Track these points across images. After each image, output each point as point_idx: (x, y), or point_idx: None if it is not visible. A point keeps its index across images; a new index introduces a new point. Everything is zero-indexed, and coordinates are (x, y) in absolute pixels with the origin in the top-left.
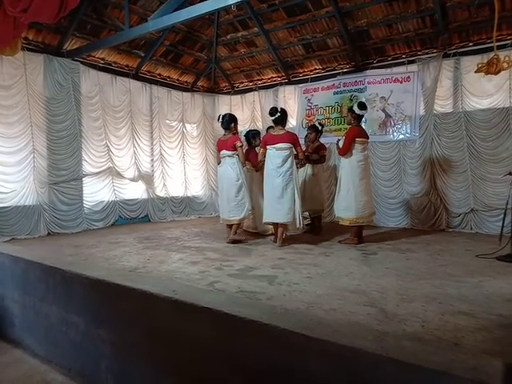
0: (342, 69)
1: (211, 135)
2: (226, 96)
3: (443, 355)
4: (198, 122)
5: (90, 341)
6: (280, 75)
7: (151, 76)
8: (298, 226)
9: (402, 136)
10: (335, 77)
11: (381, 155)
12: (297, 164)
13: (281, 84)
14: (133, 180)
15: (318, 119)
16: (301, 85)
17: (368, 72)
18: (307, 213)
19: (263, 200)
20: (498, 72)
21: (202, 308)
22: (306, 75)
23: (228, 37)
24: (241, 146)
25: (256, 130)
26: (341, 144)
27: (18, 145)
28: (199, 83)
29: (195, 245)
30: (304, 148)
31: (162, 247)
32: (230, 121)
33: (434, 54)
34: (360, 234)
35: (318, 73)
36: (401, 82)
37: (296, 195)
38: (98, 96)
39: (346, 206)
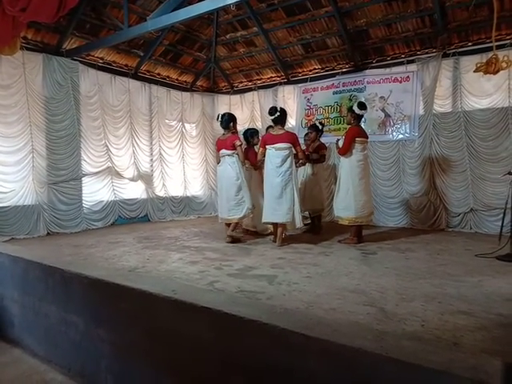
0: (341, 68)
1: (210, 135)
2: (225, 96)
3: (443, 354)
4: (197, 121)
5: (90, 340)
6: (279, 75)
7: (150, 76)
8: (297, 225)
9: (401, 136)
10: (334, 76)
11: (380, 155)
12: (296, 163)
13: (280, 84)
14: (132, 180)
15: (317, 119)
16: (300, 84)
17: (367, 72)
18: (307, 212)
19: (262, 199)
20: (497, 72)
21: (201, 308)
22: (306, 75)
23: (227, 36)
24: (240, 145)
25: (254, 129)
26: (340, 144)
27: (17, 144)
28: (198, 83)
29: (195, 244)
30: (303, 147)
31: (161, 247)
32: (229, 120)
33: (434, 54)
34: (359, 233)
35: (317, 72)
36: (400, 82)
37: (295, 195)
38: (97, 95)
39: (345, 206)
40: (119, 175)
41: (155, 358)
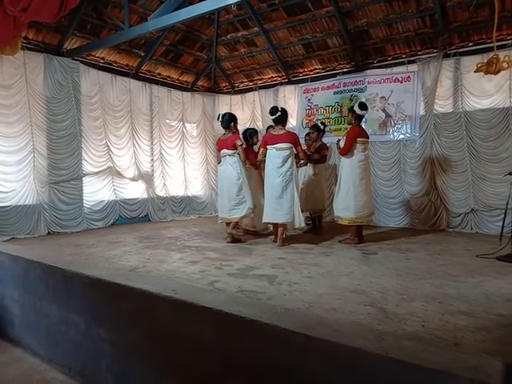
0: (342, 68)
1: (211, 135)
2: (226, 96)
3: (443, 355)
4: (197, 121)
5: (90, 340)
6: (280, 75)
7: (151, 75)
8: (296, 225)
9: (402, 136)
10: (335, 76)
11: (381, 155)
12: (297, 164)
13: (281, 84)
14: (133, 179)
15: (318, 119)
16: (301, 84)
17: (368, 72)
18: (308, 212)
19: (262, 199)
20: (498, 72)
21: (202, 307)
22: (306, 75)
23: (228, 36)
24: (241, 145)
25: (253, 129)
26: (341, 144)
27: (17, 144)
28: (199, 83)
29: (195, 244)
30: (304, 148)
31: (161, 247)
32: (229, 120)
33: (434, 54)
34: (360, 233)
35: (318, 72)
36: (401, 82)
37: (295, 195)
38: (97, 95)
39: (345, 206)
40: (120, 175)
41: (156, 358)
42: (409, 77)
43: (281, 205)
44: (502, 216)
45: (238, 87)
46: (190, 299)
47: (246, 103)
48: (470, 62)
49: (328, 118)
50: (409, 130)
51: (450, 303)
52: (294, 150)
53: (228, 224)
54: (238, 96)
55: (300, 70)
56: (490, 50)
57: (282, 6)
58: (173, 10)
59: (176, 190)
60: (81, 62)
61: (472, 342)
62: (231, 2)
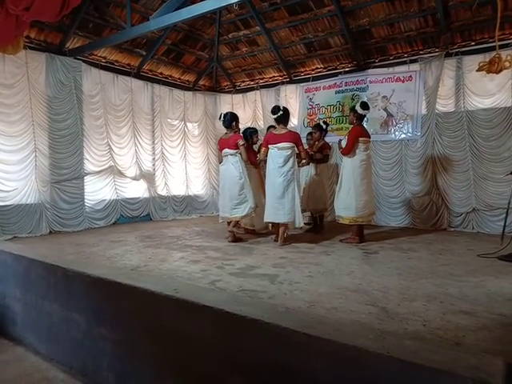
0: (343, 68)
1: (213, 134)
2: (227, 95)
3: (445, 354)
4: (199, 120)
5: (92, 339)
6: (282, 74)
7: (153, 75)
8: (296, 225)
9: (403, 135)
10: (337, 76)
11: (382, 154)
12: (299, 163)
13: (282, 83)
14: (134, 179)
15: (319, 118)
16: (302, 84)
17: (370, 71)
18: (309, 212)
19: (261, 198)
20: (500, 71)
21: (203, 307)
22: (308, 74)
23: (230, 36)
24: (243, 145)
25: (253, 128)
26: (343, 144)
27: (19, 143)
28: (201, 82)
29: (196, 244)
30: (306, 147)
31: (163, 246)
32: (231, 119)
33: (436, 54)
34: (361, 232)
35: (319, 72)
36: (403, 82)
37: (296, 195)
38: (99, 95)
39: (346, 205)
40: (121, 174)
41: (157, 357)
42: (411, 76)
43: (282, 204)
44: (504, 216)
45: (239, 86)
46: (192, 298)
47: (248, 102)
48: (472, 62)
49: (329, 118)
50: (410, 130)
51: (451, 303)
52: (296, 149)
53: (229, 223)
54: (240, 95)
55: (301, 69)
56: (492, 49)
57: (284, 5)
58: (174, 10)
59: (177, 189)
60: (83, 61)
61: (473, 342)
62: (233, 2)
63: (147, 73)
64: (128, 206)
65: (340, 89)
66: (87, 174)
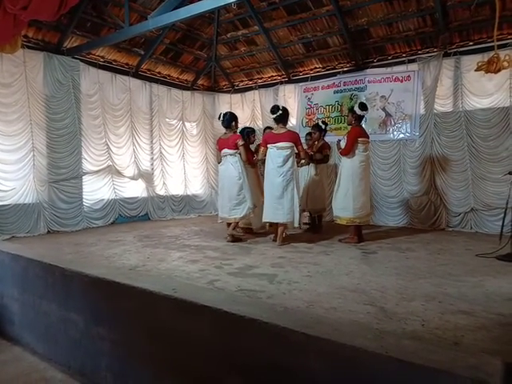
0: (342, 67)
1: (211, 134)
2: (225, 94)
3: (443, 354)
4: (197, 120)
5: (90, 339)
6: (280, 74)
7: (151, 74)
8: (295, 225)
9: (402, 135)
10: (335, 75)
11: (381, 154)
12: (298, 163)
13: (281, 83)
14: (133, 178)
15: (318, 118)
16: (301, 83)
17: (368, 71)
18: (308, 212)
19: (257, 197)
20: (498, 71)
21: (201, 306)
22: (307, 74)
23: (228, 35)
24: (243, 145)
25: (251, 128)
26: (342, 144)
27: (17, 143)
28: (199, 82)
29: (195, 243)
30: (305, 147)
31: (161, 245)
32: (230, 119)
33: (435, 53)
34: (359, 232)
35: (318, 71)
36: (401, 81)
37: (295, 195)
38: (97, 94)
39: (344, 206)
40: (120, 174)
41: (155, 357)
42: (409, 76)
43: (281, 204)
44: (502, 215)
45: (237, 86)
46: (190, 298)
47: (246, 102)
48: (471, 61)
49: (328, 117)
50: (409, 130)
51: (449, 302)
52: (295, 149)
53: (229, 224)
54: (238, 95)
55: (300, 68)
56: (490, 49)
57: (283, 5)
58: (173, 9)
59: (176, 188)
60: (81, 60)
61: (472, 341)
62: (231, 1)
63: (145, 72)
64: (126, 205)
65: (338, 88)
66: (85, 173)
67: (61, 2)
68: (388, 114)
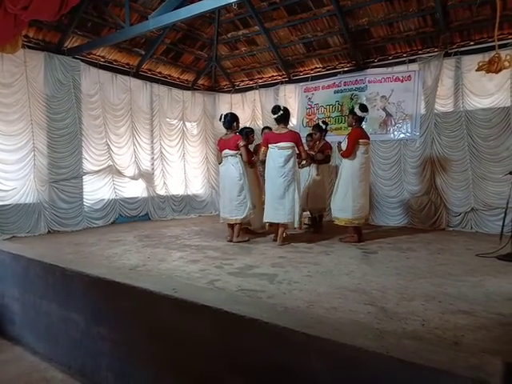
0: (342, 67)
1: (211, 134)
2: (226, 94)
3: (443, 354)
4: (198, 120)
5: (90, 339)
6: (281, 74)
7: (152, 74)
8: (295, 225)
9: (402, 135)
10: (336, 75)
11: (381, 154)
12: (299, 164)
13: (281, 83)
14: (133, 178)
15: (318, 118)
16: (301, 83)
17: (369, 71)
18: (309, 211)
19: (256, 197)
20: (499, 71)
21: (202, 306)
22: (307, 74)
23: (229, 35)
24: (244, 146)
25: (250, 128)
26: (343, 146)
27: (18, 143)
28: (200, 81)
29: (195, 243)
30: (306, 148)
31: (162, 245)
32: (231, 120)
33: (435, 53)
34: (359, 232)
35: (318, 71)
36: (402, 81)
37: (296, 195)
38: (98, 94)
39: (342, 207)
40: (120, 174)
41: (156, 356)
42: (409, 76)
43: (282, 205)
44: (503, 215)
45: (238, 86)
46: (190, 298)
47: (247, 102)
48: (471, 61)
49: (328, 117)
50: (409, 130)
51: (450, 302)
52: (296, 149)
53: (230, 225)
54: (239, 95)
55: (300, 68)
56: (491, 49)
57: (283, 5)
58: (173, 9)
59: (176, 188)
60: (81, 60)
61: (472, 341)
62: (232, 1)
63: (146, 72)
64: (127, 205)
65: (339, 88)
66: (86, 173)
67: (61, 2)
68: (388, 114)
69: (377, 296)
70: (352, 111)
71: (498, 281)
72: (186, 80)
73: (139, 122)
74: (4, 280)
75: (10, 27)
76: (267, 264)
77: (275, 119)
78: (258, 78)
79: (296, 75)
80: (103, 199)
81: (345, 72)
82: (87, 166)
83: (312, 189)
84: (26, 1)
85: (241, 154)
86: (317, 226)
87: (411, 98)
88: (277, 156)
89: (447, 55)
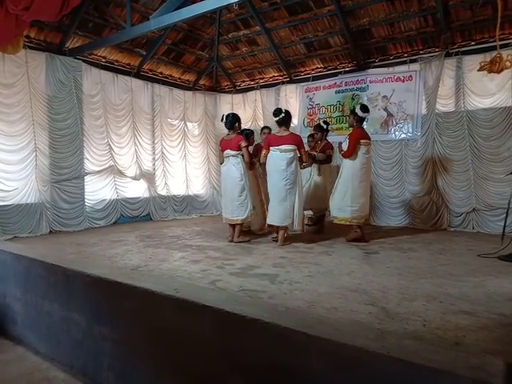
0: (343, 68)
1: (213, 134)
2: (227, 95)
3: (445, 354)
4: (199, 120)
5: (92, 339)
6: (282, 74)
7: (153, 74)
8: (295, 227)
9: (403, 135)
10: (337, 76)
11: (382, 154)
12: (300, 166)
13: (282, 83)
14: (134, 178)
15: (319, 118)
16: (302, 84)
17: (370, 71)
18: (310, 212)
19: (255, 198)
20: (501, 71)
21: (203, 306)
22: (308, 74)
23: (230, 35)
24: (245, 146)
25: (250, 130)
26: (344, 146)
27: (19, 143)
28: (201, 82)
29: (197, 243)
30: (307, 149)
31: (163, 246)
32: (233, 121)
33: (436, 53)
34: (362, 231)
35: (319, 72)
36: (403, 81)
37: (297, 198)
38: (99, 94)
39: (341, 207)
40: (121, 174)
41: (157, 356)
42: (411, 76)
43: (284, 207)
44: (504, 215)
45: (239, 86)
46: (192, 298)
47: (248, 102)
48: (472, 61)
49: (330, 117)
50: (410, 130)
51: (451, 302)
52: (298, 152)
53: (231, 225)
54: (240, 95)
55: (301, 69)
56: (492, 49)
57: (284, 5)
58: (174, 9)
59: (177, 188)
60: (83, 60)
61: (473, 342)
62: (233, 1)
63: (147, 72)
64: (128, 205)
65: (340, 88)
66: (87, 173)
67: (63, 3)
68: (390, 114)
69: (378, 296)
70: (353, 111)
71: (499, 281)
72: (187, 80)
73: (140, 122)
74: (6, 280)
75: (11, 28)
76: (268, 264)
77: (277, 122)
78: (259, 79)
79: (297, 75)
80: (105, 199)
81: (346, 72)
82: (89, 166)
83: (313, 189)
84: (28, 1)
85: (242, 155)
86: (318, 226)
87: (412, 98)
88: (278, 159)
89: (448, 55)
